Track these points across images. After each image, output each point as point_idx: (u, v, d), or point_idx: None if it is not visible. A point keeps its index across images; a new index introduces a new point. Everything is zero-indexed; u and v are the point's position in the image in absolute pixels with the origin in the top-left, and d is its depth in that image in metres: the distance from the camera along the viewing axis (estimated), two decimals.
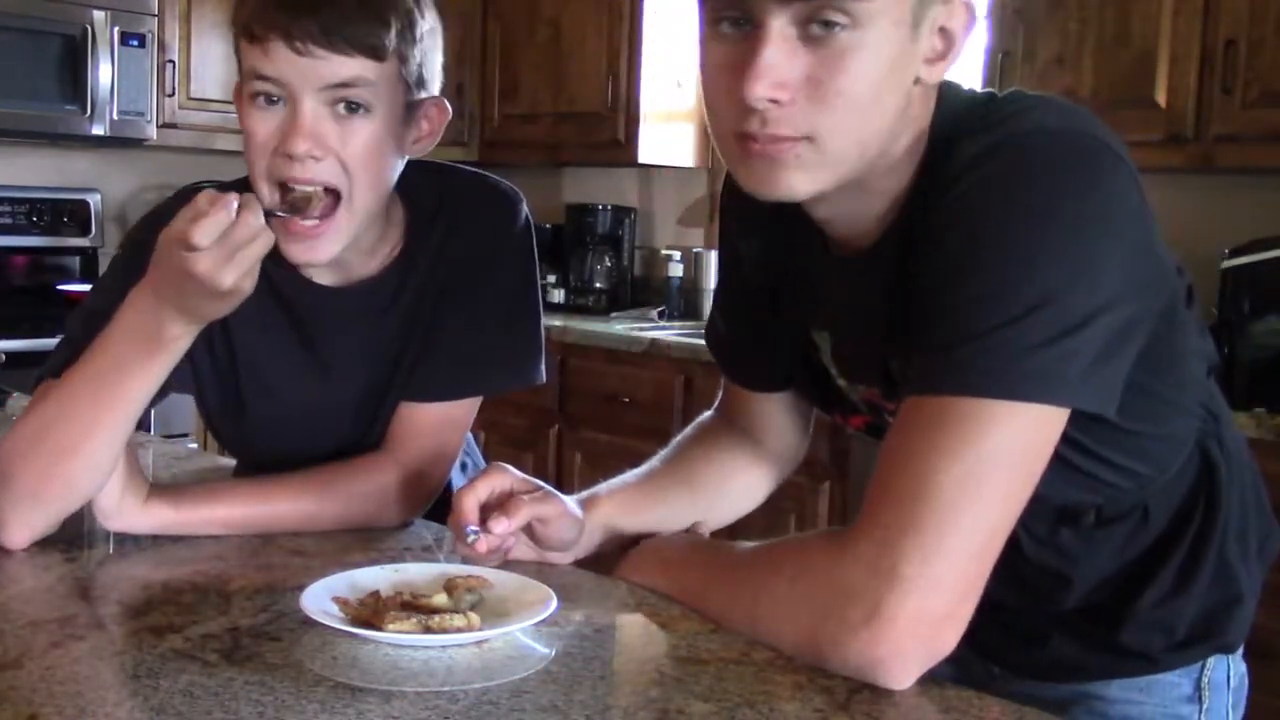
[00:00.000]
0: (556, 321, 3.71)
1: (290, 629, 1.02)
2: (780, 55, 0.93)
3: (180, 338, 1.14)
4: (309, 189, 1.21)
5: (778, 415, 1.34)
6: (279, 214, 1.19)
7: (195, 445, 3.15)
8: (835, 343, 1.15)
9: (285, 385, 1.39)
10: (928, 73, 0.99)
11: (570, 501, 1.22)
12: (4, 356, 3.12)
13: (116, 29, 3.59)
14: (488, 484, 1.17)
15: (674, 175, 4.23)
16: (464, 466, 1.55)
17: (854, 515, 0.97)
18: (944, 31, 0.99)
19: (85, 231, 3.91)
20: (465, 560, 1.16)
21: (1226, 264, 2.68)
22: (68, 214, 3.86)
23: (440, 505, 1.35)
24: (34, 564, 1.18)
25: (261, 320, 1.33)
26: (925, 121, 1.02)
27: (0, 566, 1.17)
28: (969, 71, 3.10)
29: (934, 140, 1.02)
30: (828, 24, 0.93)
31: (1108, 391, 0.94)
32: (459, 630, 0.98)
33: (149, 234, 1.40)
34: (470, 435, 1.53)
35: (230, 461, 1.58)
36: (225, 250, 1.07)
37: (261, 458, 1.43)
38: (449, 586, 1.05)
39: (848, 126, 0.95)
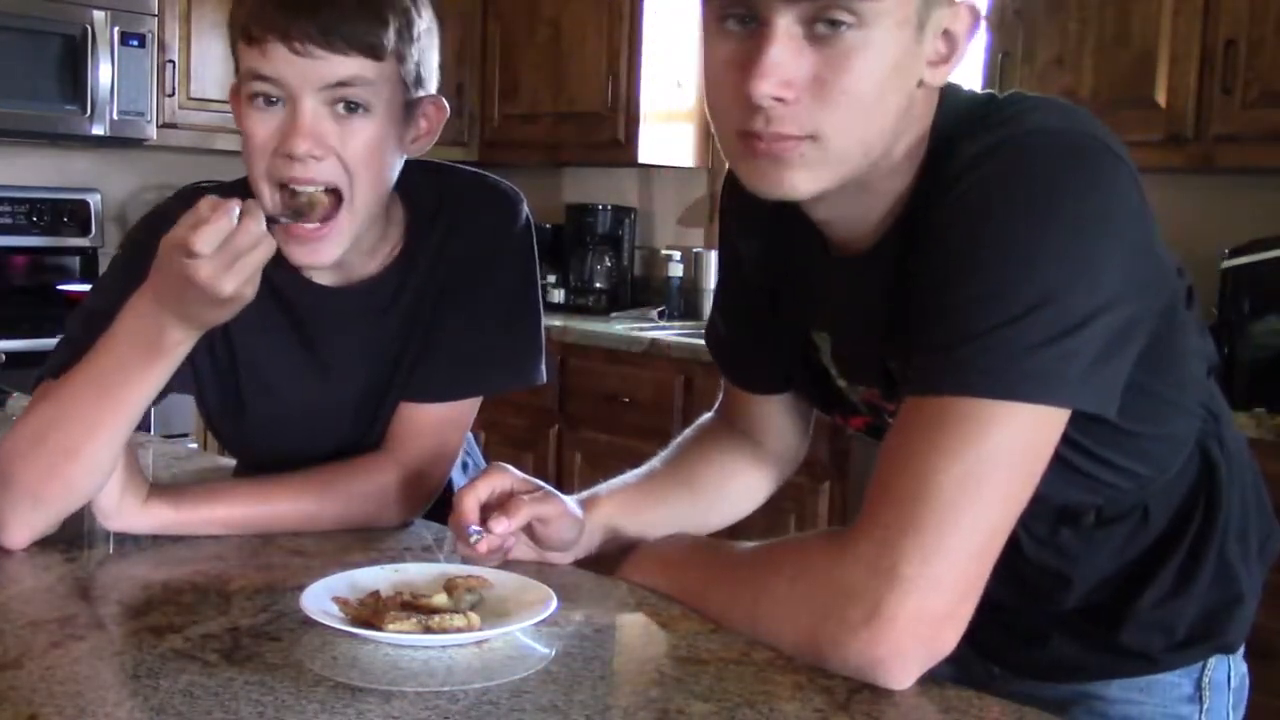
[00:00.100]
0: (556, 321, 3.71)
1: (290, 629, 1.02)
2: (786, 54, 0.93)
3: (181, 343, 1.14)
4: (310, 190, 1.22)
5: (778, 417, 1.34)
6: (281, 219, 1.19)
7: (195, 445, 3.15)
8: (835, 343, 1.15)
9: (285, 385, 1.39)
10: (931, 75, 0.99)
11: (570, 502, 1.22)
12: (4, 356, 3.12)
13: (116, 29, 3.59)
14: (488, 484, 1.17)
15: (674, 175, 4.23)
16: (465, 466, 1.55)
17: (854, 515, 0.97)
18: (947, 35, 0.99)
19: (85, 231, 3.91)
20: (465, 560, 1.16)
21: (1226, 264, 2.68)
22: (68, 214, 3.86)
23: (440, 505, 1.35)
24: (34, 564, 1.18)
25: (262, 320, 1.33)
26: (927, 123, 1.02)
27: (0, 566, 1.17)
28: (969, 72, 3.10)
29: (935, 141, 1.02)
30: (834, 23, 0.93)
31: (1108, 392, 0.94)
32: (459, 630, 0.98)
33: (149, 234, 1.40)
34: (470, 435, 1.53)
35: (230, 461, 1.58)
36: (226, 257, 1.07)
37: (261, 458, 1.43)
38: (449, 586, 1.05)
39: (852, 126, 0.95)
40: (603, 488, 1.29)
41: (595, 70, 4.00)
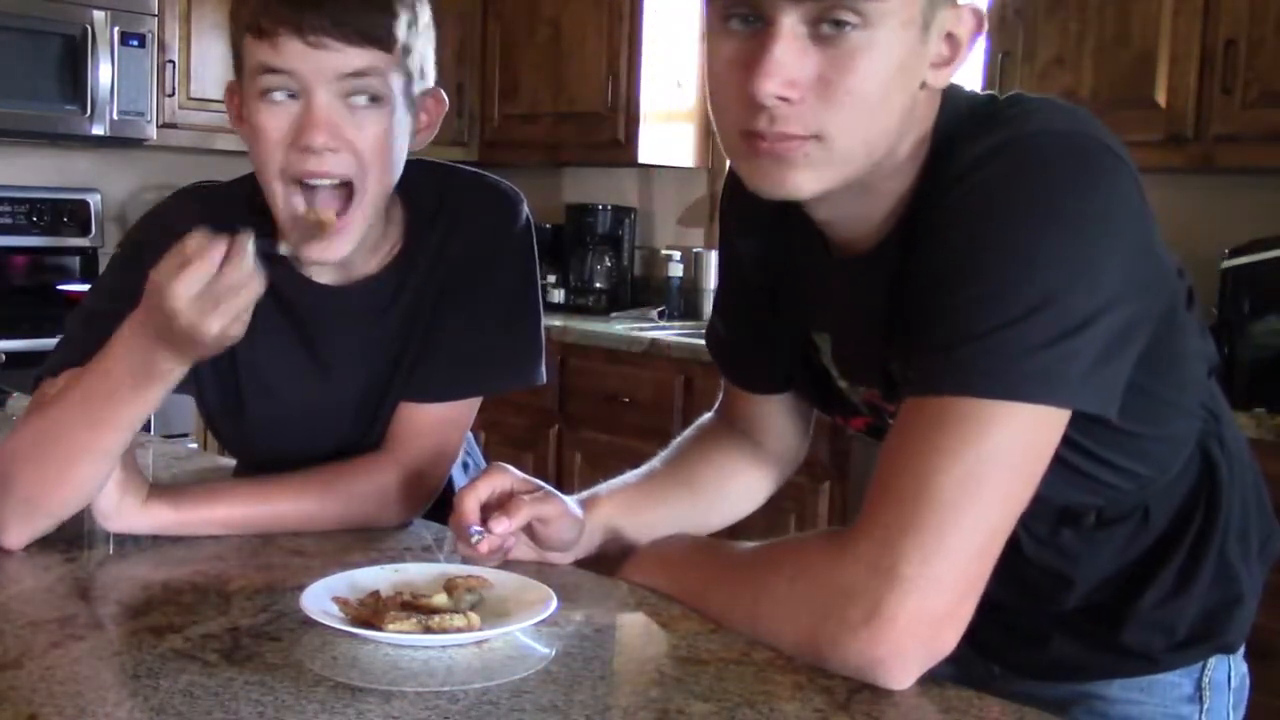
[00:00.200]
0: (556, 321, 3.71)
1: (290, 629, 1.02)
2: (791, 53, 0.93)
3: (174, 370, 1.12)
4: (325, 213, 1.21)
5: (778, 417, 1.34)
6: (278, 250, 1.17)
7: (195, 445, 3.15)
8: (835, 344, 1.15)
9: (285, 385, 1.39)
10: (933, 77, 0.99)
11: (570, 502, 1.22)
12: (4, 356, 3.12)
13: (116, 29, 3.59)
14: (488, 484, 1.17)
15: (674, 175, 4.23)
16: (465, 466, 1.55)
17: (854, 515, 0.97)
18: (951, 37, 0.99)
19: (85, 231, 3.90)
20: (465, 560, 1.16)
21: (1226, 264, 2.67)
22: (68, 214, 3.86)
23: (440, 505, 1.35)
24: (34, 564, 1.18)
25: (261, 320, 1.32)
26: (929, 124, 1.02)
27: (0, 566, 1.17)
28: (970, 71, 3.10)
29: (936, 142, 1.02)
30: (839, 23, 0.93)
31: (1108, 392, 0.94)
32: (459, 630, 0.98)
33: (148, 234, 1.41)
34: (470, 435, 1.53)
35: (230, 461, 1.58)
36: (208, 302, 1.05)
37: (261, 458, 1.43)
38: (449, 586, 1.05)
39: (856, 126, 0.95)
40: (603, 488, 1.29)
41: (595, 70, 4.00)
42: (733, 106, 0.97)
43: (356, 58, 1.20)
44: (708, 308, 3.75)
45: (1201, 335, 1.11)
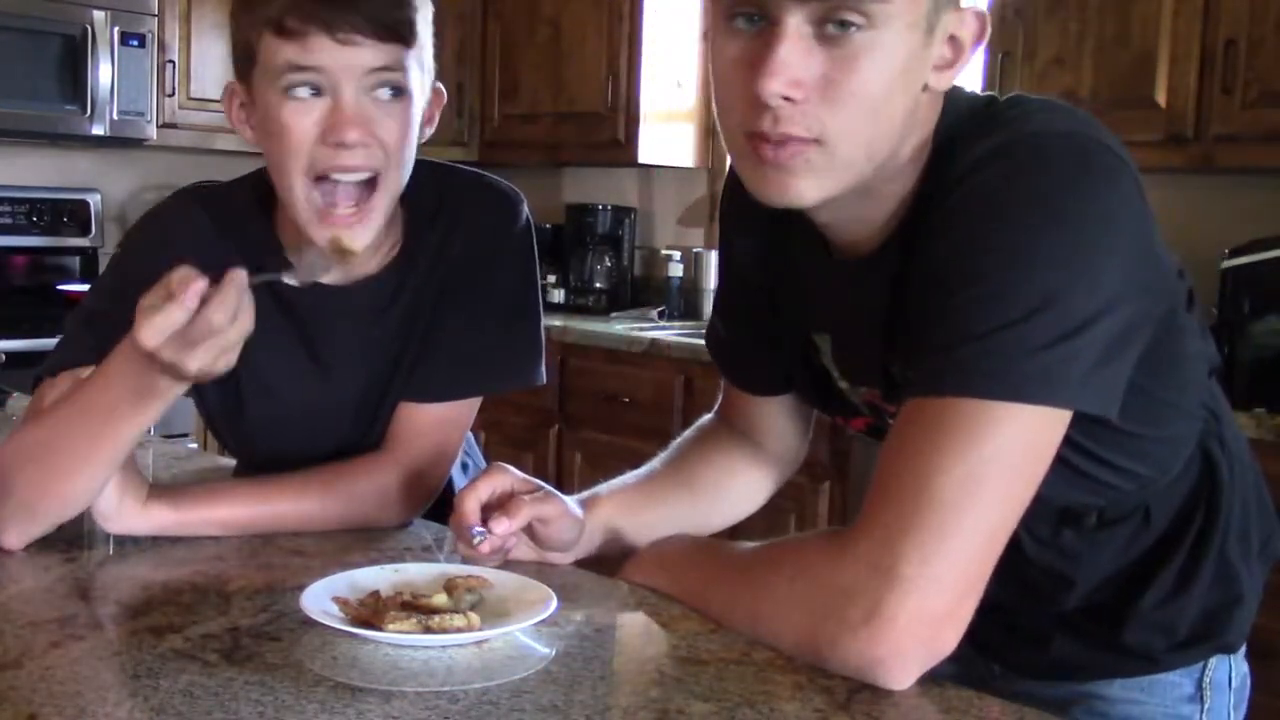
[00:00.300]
0: (556, 321, 3.70)
1: (290, 629, 1.02)
2: (796, 53, 0.93)
3: (172, 388, 1.11)
4: (351, 246, 1.22)
5: (778, 418, 1.34)
6: (284, 279, 1.16)
7: (195, 445, 3.15)
8: (835, 345, 1.15)
9: (285, 385, 1.39)
10: (936, 80, 0.99)
11: (570, 502, 1.22)
12: (4, 356, 3.12)
13: (116, 29, 3.59)
14: (489, 484, 1.17)
15: (674, 175, 4.23)
16: (464, 466, 1.55)
17: (854, 515, 0.96)
18: (954, 40, 0.99)
19: (85, 231, 3.91)
20: (465, 560, 1.16)
21: (1226, 264, 2.67)
22: (68, 214, 3.86)
23: (440, 505, 1.35)
24: (34, 564, 1.18)
25: (261, 320, 1.33)
26: (930, 127, 1.02)
27: (0, 566, 1.17)
28: (970, 71, 3.10)
29: (937, 144, 1.02)
30: (844, 24, 0.93)
31: (1109, 393, 0.93)
32: (459, 630, 0.98)
33: (146, 235, 1.41)
34: (470, 435, 1.53)
35: (230, 461, 1.58)
36: (184, 342, 1.03)
37: (262, 458, 1.43)
38: (449, 586, 1.05)
39: (858, 128, 0.95)
40: (603, 488, 1.29)
41: (595, 70, 4.00)
42: (737, 107, 0.97)
43: (384, 53, 1.21)
44: (708, 308, 3.75)
45: (1202, 336, 1.11)
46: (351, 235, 1.24)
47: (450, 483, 1.42)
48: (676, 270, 4.05)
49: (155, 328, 1.02)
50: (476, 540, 1.13)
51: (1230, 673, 1.16)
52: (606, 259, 4.23)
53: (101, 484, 1.18)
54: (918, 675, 0.93)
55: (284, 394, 1.39)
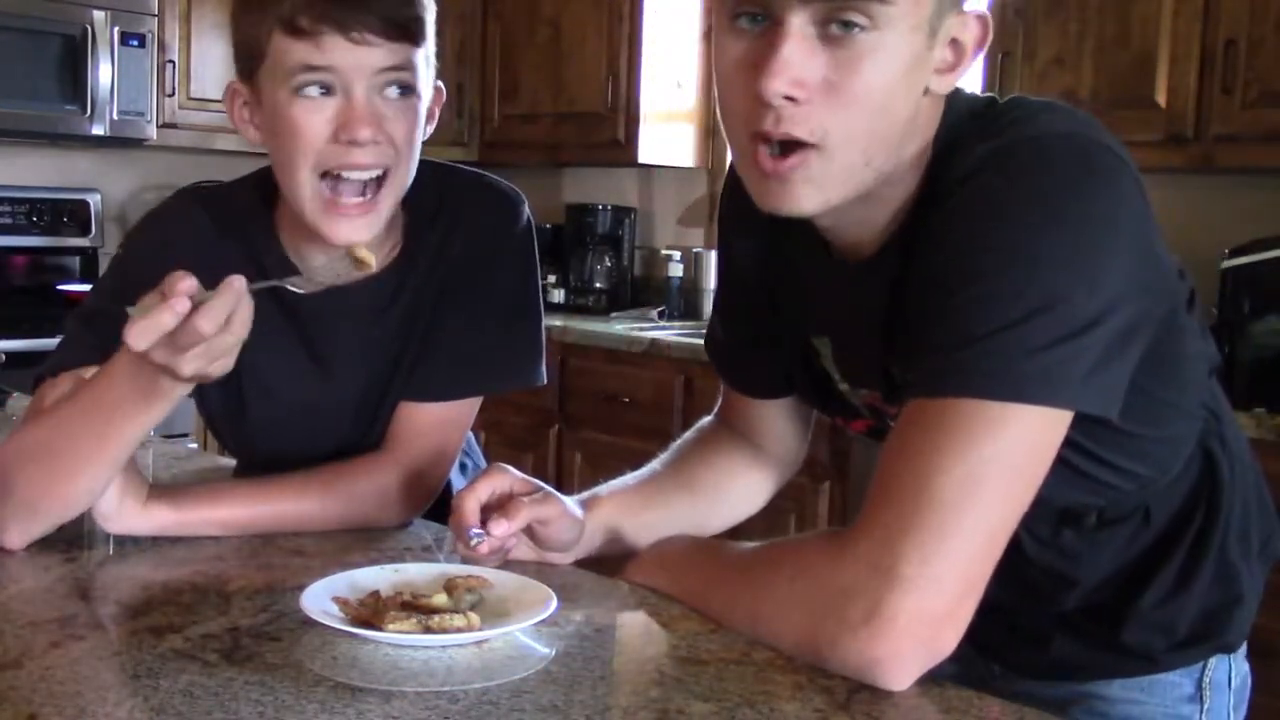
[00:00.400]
0: (556, 321, 3.70)
1: (290, 629, 1.02)
2: (799, 53, 0.93)
3: (174, 388, 1.11)
4: (367, 259, 1.21)
5: (777, 421, 1.34)
6: (288, 285, 1.16)
7: (195, 445, 3.15)
8: (836, 348, 1.15)
9: (285, 385, 1.39)
10: (937, 83, 0.99)
11: (570, 502, 1.22)
12: (4, 356, 3.12)
13: (116, 29, 3.59)
14: (488, 485, 1.17)
15: (674, 175, 4.23)
16: (464, 467, 1.55)
17: (854, 515, 0.96)
18: (955, 43, 0.99)
19: (85, 231, 3.90)
20: (465, 560, 1.16)
21: (1226, 264, 2.67)
22: (68, 214, 3.86)
23: (440, 505, 1.35)
24: (34, 564, 1.18)
25: (262, 320, 1.33)
26: (931, 131, 1.02)
27: (0, 566, 1.17)
28: (970, 72, 3.10)
29: (938, 147, 1.02)
30: (847, 24, 0.93)
31: (1110, 394, 0.93)
32: (459, 630, 0.98)
33: (148, 235, 1.41)
34: (471, 435, 1.53)
35: (230, 461, 1.58)
36: (175, 348, 1.03)
37: (262, 458, 1.43)
38: (449, 586, 1.05)
39: (858, 130, 0.95)
40: (603, 488, 1.29)
41: (595, 70, 4.00)
42: (740, 106, 0.97)
43: (394, 53, 1.22)
44: (708, 308, 3.75)
45: (1202, 336, 1.11)
46: (355, 228, 1.24)
47: (450, 483, 1.42)
48: (676, 270, 4.05)
49: (142, 331, 1.01)
50: (474, 542, 1.13)
51: (1230, 673, 1.16)
52: (606, 259, 4.23)
53: (104, 484, 1.18)
54: (917, 676, 0.93)
55: (284, 394, 1.39)
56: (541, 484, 1.20)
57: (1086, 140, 0.96)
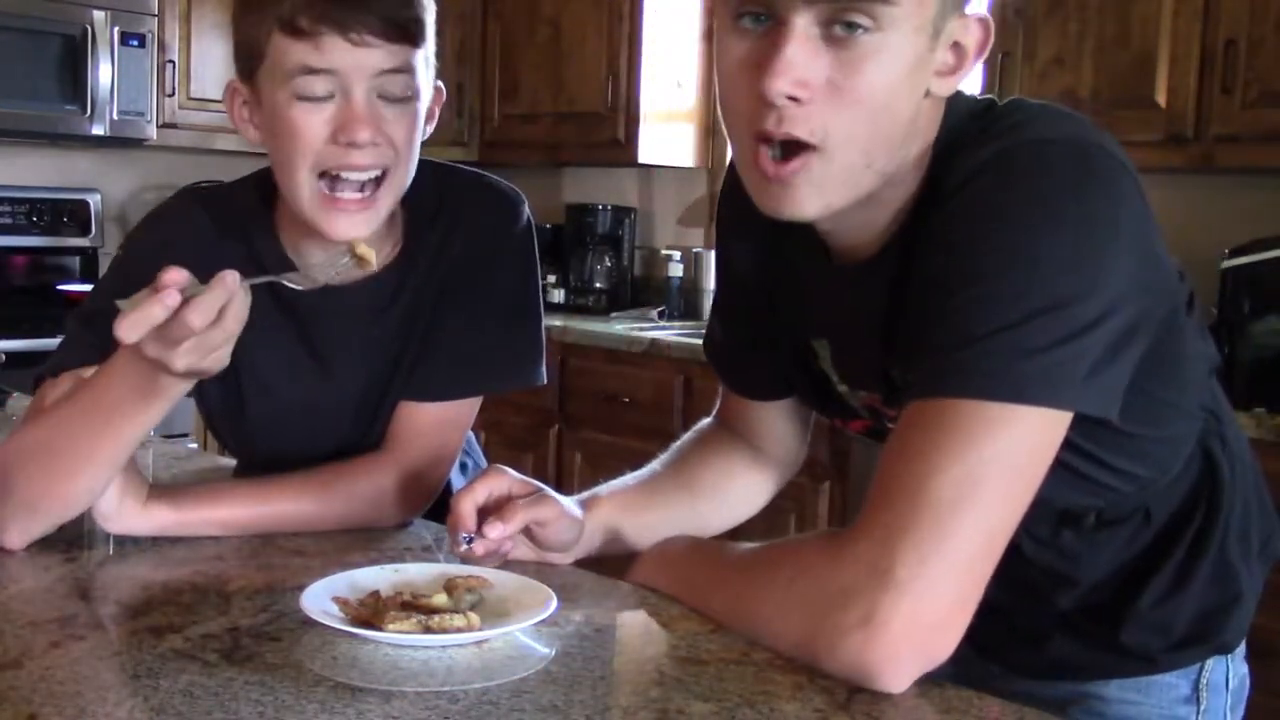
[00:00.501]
0: (556, 321, 3.70)
1: (290, 629, 1.02)
2: (802, 53, 0.93)
3: (176, 385, 1.11)
4: (368, 256, 1.21)
5: (776, 422, 1.34)
6: (285, 281, 1.16)
7: (195, 445, 3.15)
8: (834, 350, 1.15)
9: (285, 385, 1.39)
10: (938, 85, 0.99)
11: (569, 503, 1.22)
12: (4, 356, 3.12)
13: (116, 29, 3.59)
14: (486, 487, 1.17)
15: (674, 175, 4.23)
16: (464, 466, 1.56)
17: (854, 516, 0.96)
18: (957, 46, 0.99)
19: (85, 231, 3.90)
20: (465, 560, 1.16)
21: (1226, 264, 2.67)
22: (68, 214, 3.86)
23: (441, 505, 1.35)
24: (34, 564, 1.18)
25: (262, 319, 1.33)
26: (932, 134, 1.02)
27: (0, 566, 1.17)
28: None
29: (937, 150, 1.02)
30: (851, 25, 0.93)
31: (1110, 395, 0.93)
32: (459, 630, 0.98)
33: (149, 235, 1.41)
34: (471, 435, 1.53)
35: (230, 461, 1.58)
36: (167, 342, 1.03)
37: (262, 457, 1.43)
38: (449, 586, 1.05)
39: (859, 132, 0.95)
40: (603, 488, 1.29)
41: (595, 70, 4.00)
42: (742, 106, 0.97)
43: (394, 54, 1.22)
44: (708, 308, 3.72)
45: (1202, 337, 1.11)
46: (353, 224, 1.24)
47: (450, 483, 1.42)
48: (676, 270, 4.05)
49: (132, 324, 1.01)
50: (463, 546, 1.14)
51: (1228, 674, 1.16)
52: (606, 259, 4.23)
53: (104, 484, 1.18)
54: (913, 679, 0.92)
55: (283, 392, 1.39)
56: (541, 485, 1.20)
57: (1086, 143, 0.96)
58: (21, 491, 1.18)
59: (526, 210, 1.43)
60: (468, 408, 1.40)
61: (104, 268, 3.58)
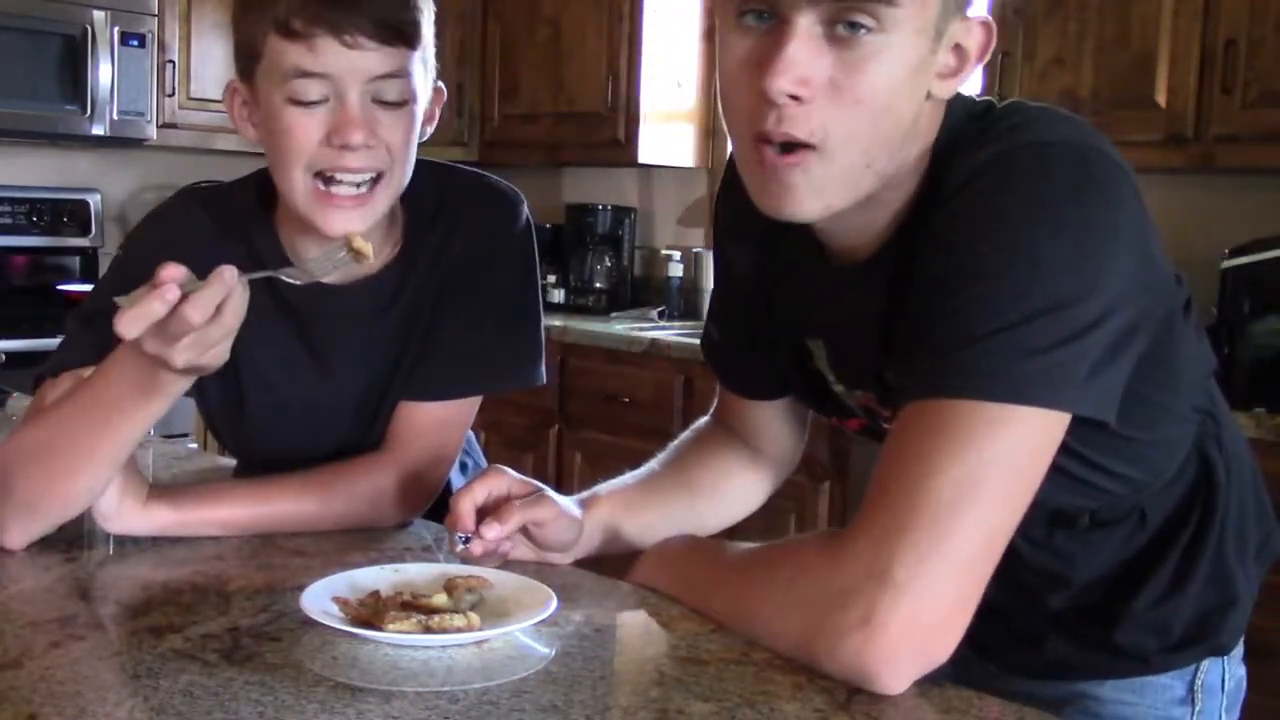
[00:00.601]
0: (556, 321, 3.71)
1: (290, 629, 1.02)
2: (805, 52, 0.93)
3: (176, 382, 1.11)
4: (364, 249, 1.21)
5: (773, 422, 1.34)
6: (284, 275, 1.16)
7: (195, 445, 3.15)
8: (831, 350, 1.15)
9: (285, 385, 1.39)
10: (939, 88, 0.99)
11: (568, 502, 1.22)
12: (4, 356, 3.12)
13: (116, 29, 3.59)
14: (485, 487, 1.17)
15: (674, 175, 4.23)
16: (464, 466, 1.56)
17: (854, 516, 0.96)
18: (959, 49, 0.99)
19: (85, 231, 3.91)
20: (465, 560, 1.16)
21: (1226, 264, 2.68)
22: (68, 214, 3.86)
23: (441, 505, 1.35)
24: (34, 564, 1.18)
25: (262, 319, 1.33)
26: (932, 136, 1.02)
27: (0, 566, 1.17)
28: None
29: (936, 152, 1.02)
30: (854, 25, 0.93)
31: (1108, 397, 0.93)
32: (459, 630, 0.98)
33: (149, 235, 1.41)
34: (471, 434, 1.53)
35: (230, 461, 1.58)
36: (166, 337, 1.03)
37: (262, 457, 1.43)
38: (449, 586, 1.05)
39: (859, 133, 0.95)
40: (602, 488, 1.29)
41: (595, 70, 4.00)
42: (744, 105, 0.97)
43: (389, 58, 1.21)
44: (707, 308, 3.74)
45: (1199, 340, 1.10)
46: (349, 219, 1.24)
47: (450, 483, 1.42)
48: (676, 270, 4.05)
49: (131, 319, 1.01)
50: (459, 548, 1.14)
51: (1223, 675, 1.16)
52: (606, 259, 4.23)
53: (104, 483, 1.18)
54: (911, 681, 0.92)
55: (283, 389, 1.39)
56: (540, 485, 1.20)
57: (1085, 147, 0.96)
58: (22, 491, 1.18)
59: (526, 210, 1.43)
60: (468, 408, 1.40)
61: (104, 268, 3.58)
